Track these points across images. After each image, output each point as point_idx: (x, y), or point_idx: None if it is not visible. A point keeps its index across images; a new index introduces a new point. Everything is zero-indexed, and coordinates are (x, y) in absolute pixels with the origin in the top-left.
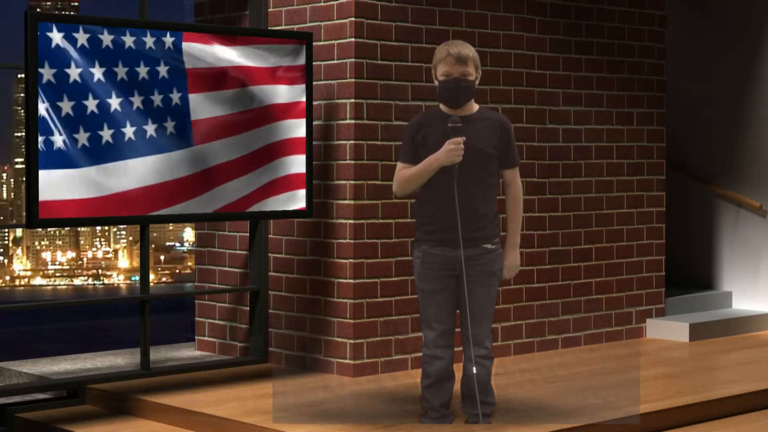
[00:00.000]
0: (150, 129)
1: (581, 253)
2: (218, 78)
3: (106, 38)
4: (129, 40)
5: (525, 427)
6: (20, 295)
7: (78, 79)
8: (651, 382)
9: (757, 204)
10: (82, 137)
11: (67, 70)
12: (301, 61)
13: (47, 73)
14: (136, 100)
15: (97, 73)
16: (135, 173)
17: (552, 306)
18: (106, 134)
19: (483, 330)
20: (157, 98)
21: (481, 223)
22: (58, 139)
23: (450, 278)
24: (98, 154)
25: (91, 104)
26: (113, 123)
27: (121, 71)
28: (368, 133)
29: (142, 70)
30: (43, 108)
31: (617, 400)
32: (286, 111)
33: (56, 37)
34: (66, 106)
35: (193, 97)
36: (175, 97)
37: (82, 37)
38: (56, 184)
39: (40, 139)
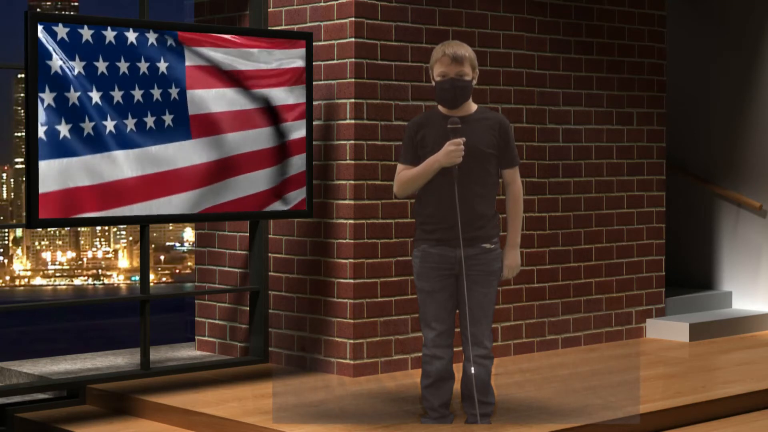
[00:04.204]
0: (149, 121)
1: (581, 253)
2: (217, 76)
3: (109, 34)
4: (132, 36)
5: (525, 427)
6: (20, 295)
7: (83, 72)
8: (651, 382)
9: (757, 204)
10: (87, 127)
11: (72, 63)
12: (301, 63)
13: (54, 65)
14: (137, 94)
15: (101, 67)
16: (133, 162)
17: (552, 306)
18: (110, 125)
19: (482, 330)
20: (156, 92)
21: (480, 223)
22: (63, 129)
23: (449, 278)
24: (100, 143)
25: (95, 96)
26: (116, 115)
27: (123, 66)
28: (368, 133)
29: (143, 65)
30: (50, 98)
31: (617, 400)
32: (286, 113)
33: (61, 31)
34: (72, 96)
35: (191, 93)
36: (174, 92)
37: (86, 33)
38: (57, 173)
39: (43, 129)
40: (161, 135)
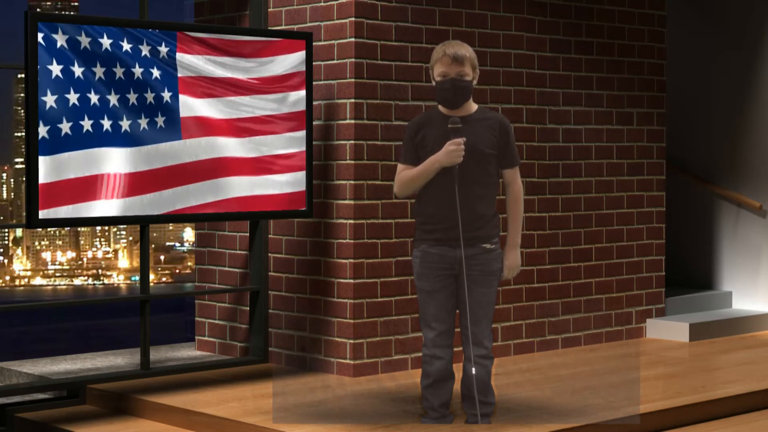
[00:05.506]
0: (143, 122)
1: (581, 253)
2: (211, 85)
3: (106, 42)
4: (126, 46)
5: (525, 427)
6: (20, 295)
7: (81, 76)
8: (651, 382)
9: (757, 204)
10: (87, 124)
11: (72, 68)
12: (300, 67)
13: (55, 69)
14: (132, 97)
15: (99, 71)
16: (124, 159)
17: (552, 306)
18: (107, 124)
19: (482, 330)
20: (150, 96)
21: (480, 223)
22: (65, 126)
23: (449, 278)
24: (97, 140)
25: (94, 98)
26: (112, 115)
27: (119, 71)
28: (368, 133)
29: (137, 71)
30: (52, 100)
31: (617, 400)
32: (284, 122)
33: (60, 38)
34: (72, 97)
35: (183, 98)
36: (166, 96)
37: (84, 40)
38: (58, 166)
39: (46, 128)
40: (155, 135)
